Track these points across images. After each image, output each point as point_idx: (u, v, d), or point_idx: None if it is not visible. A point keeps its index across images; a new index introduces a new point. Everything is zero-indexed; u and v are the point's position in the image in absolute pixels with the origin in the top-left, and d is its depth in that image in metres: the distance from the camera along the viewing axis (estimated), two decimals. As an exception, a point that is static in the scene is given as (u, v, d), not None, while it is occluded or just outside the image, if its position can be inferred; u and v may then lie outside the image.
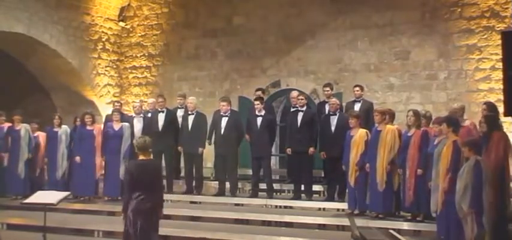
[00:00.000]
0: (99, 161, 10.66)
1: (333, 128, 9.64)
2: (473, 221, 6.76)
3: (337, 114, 9.70)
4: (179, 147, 10.84)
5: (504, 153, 7.43)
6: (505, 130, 8.19)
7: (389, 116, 8.72)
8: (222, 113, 10.46)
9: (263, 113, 10.32)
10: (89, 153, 10.63)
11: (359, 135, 8.80)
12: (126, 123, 10.75)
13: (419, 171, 8.00)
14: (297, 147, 9.84)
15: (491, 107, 7.99)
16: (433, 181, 7.49)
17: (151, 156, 7.05)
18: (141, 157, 6.69)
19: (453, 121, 7.67)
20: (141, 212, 6.41)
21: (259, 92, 11.18)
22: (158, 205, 6.64)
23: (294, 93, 10.74)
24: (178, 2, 14.38)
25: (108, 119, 11.41)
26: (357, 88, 10.36)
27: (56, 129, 11.02)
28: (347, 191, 9.11)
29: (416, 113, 8.42)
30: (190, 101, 10.89)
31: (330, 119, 9.74)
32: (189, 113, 10.74)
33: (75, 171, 10.78)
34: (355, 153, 8.72)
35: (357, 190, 8.71)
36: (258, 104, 10.34)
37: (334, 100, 9.95)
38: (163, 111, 11.01)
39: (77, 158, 10.63)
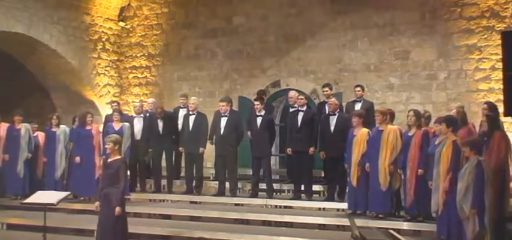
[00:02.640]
0: (98, 160, 10.62)
1: (332, 128, 9.64)
2: (474, 220, 6.77)
3: (337, 114, 9.70)
4: (180, 148, 10.86)
5: (505, 153, 7.45)
6: (505, 130, 8.20)
7: (389, 116, 8.72)
8: (221, 113, 10.46)
9: (263, 113, 10.32)
10: (87, 153, 10.60)
11: (361, 134, 8.78)
12: (127, 123, 10.78)
13: (420, 171, 7.97)
14: (297, 147, 9.84)
15: (492, 107, 8.00)
16: (434, 181, 7.47)
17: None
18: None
19: (453, 121, 7.67)
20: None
21: (262, 95, 11.16)
22: None
23: (292, 93, 10.73)
24: (178, 2, 14.37)
25: (108, 118, 11.41)
26: (358, 88, 10.37)
27: (54, 129, 11.01)
28: (347, 190, 9.11)
29: (417, 113, 8.41)
30: (192, 101, 10.91)
31: (329, 119, 9.73)
32: (190, 113, 10.75)
33: (74, 171, 10.76)
34: (357, 153, 8.71)
35: (358, 190, 8.70)
36: (258, 104, 10.34)
37: (332, 100, 9.94)
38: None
39: (77, 159, 10.57)
